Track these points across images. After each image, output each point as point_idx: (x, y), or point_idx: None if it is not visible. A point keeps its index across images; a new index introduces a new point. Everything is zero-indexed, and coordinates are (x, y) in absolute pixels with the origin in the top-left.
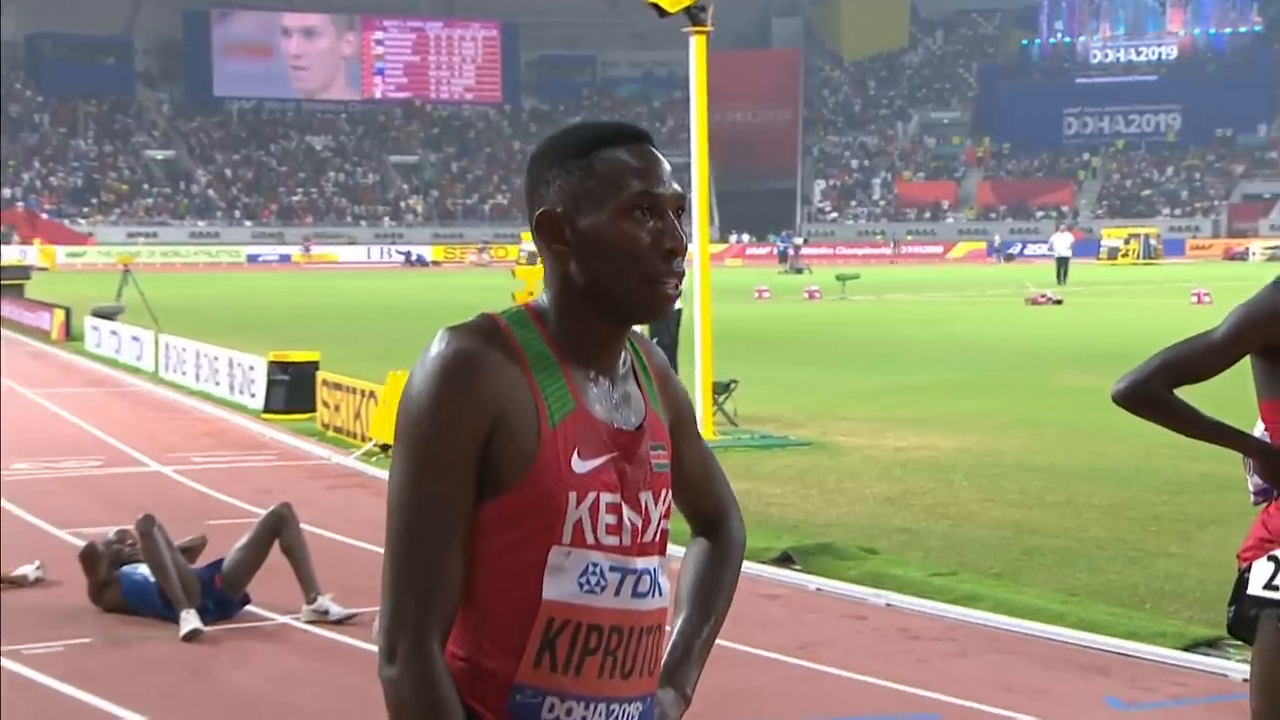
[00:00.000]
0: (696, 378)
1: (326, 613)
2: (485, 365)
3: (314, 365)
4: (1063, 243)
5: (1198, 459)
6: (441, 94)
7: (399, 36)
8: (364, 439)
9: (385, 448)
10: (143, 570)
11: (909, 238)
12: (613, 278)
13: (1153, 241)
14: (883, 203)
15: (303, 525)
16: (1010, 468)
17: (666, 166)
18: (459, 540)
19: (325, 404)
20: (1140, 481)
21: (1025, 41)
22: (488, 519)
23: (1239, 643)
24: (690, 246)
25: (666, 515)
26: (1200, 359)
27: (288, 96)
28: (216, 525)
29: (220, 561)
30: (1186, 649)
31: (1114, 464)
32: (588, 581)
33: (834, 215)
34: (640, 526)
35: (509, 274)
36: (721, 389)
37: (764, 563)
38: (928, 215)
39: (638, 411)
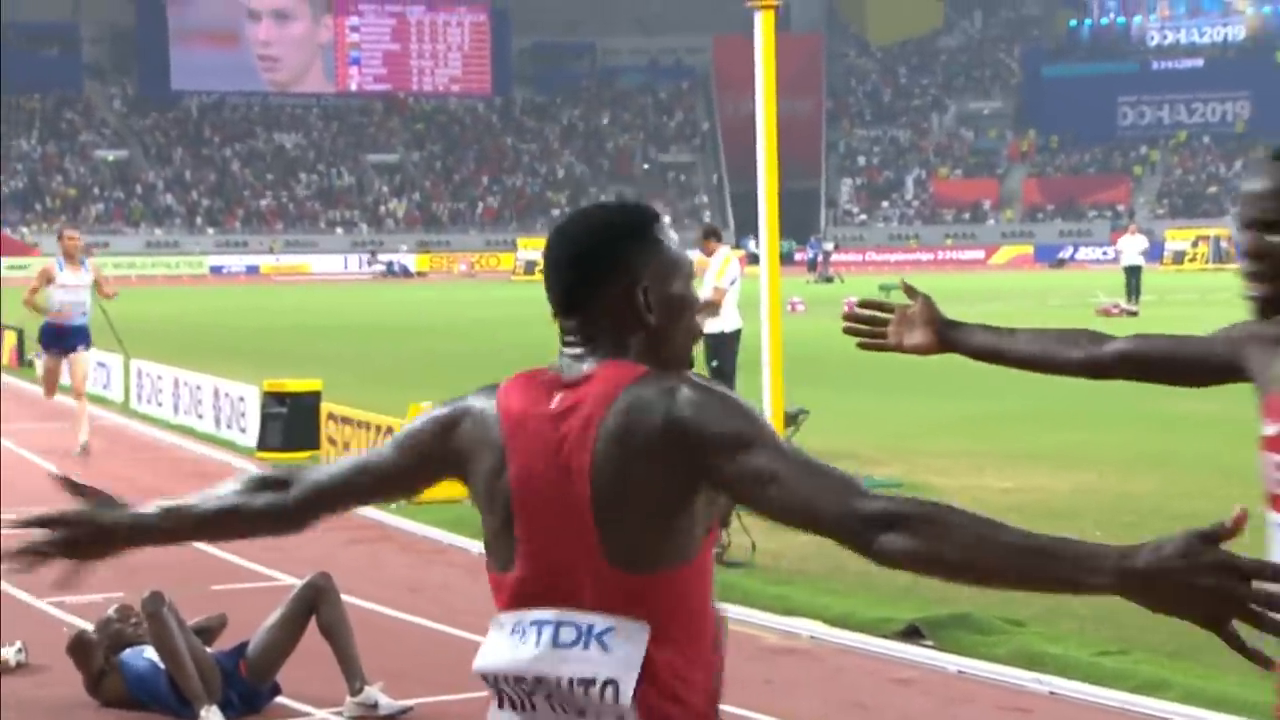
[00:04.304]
0: (766, 409)
1: (375, 706)
2: None
3: (316, 396)
4: (1133, 248)
5: None
6: (425, 86)
7: (376, 22)
8: None
9: None
10: (149, 655)
11: (947, 241)
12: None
13: (1223, 244)
14: (916, 203)
15: None
16: (1148, 515)
17: None
18: None
19: (332, 440)
20: None
21: (1074, 22)
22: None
23: None
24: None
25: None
26: None
27: (254, 89)
28: (222, 591)
29: (244, 645)
30: None
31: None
32: None
33: (863, 217)
34: None
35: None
36: (789, 420)
37: (886, 637)
38: (967, 216)
39: None
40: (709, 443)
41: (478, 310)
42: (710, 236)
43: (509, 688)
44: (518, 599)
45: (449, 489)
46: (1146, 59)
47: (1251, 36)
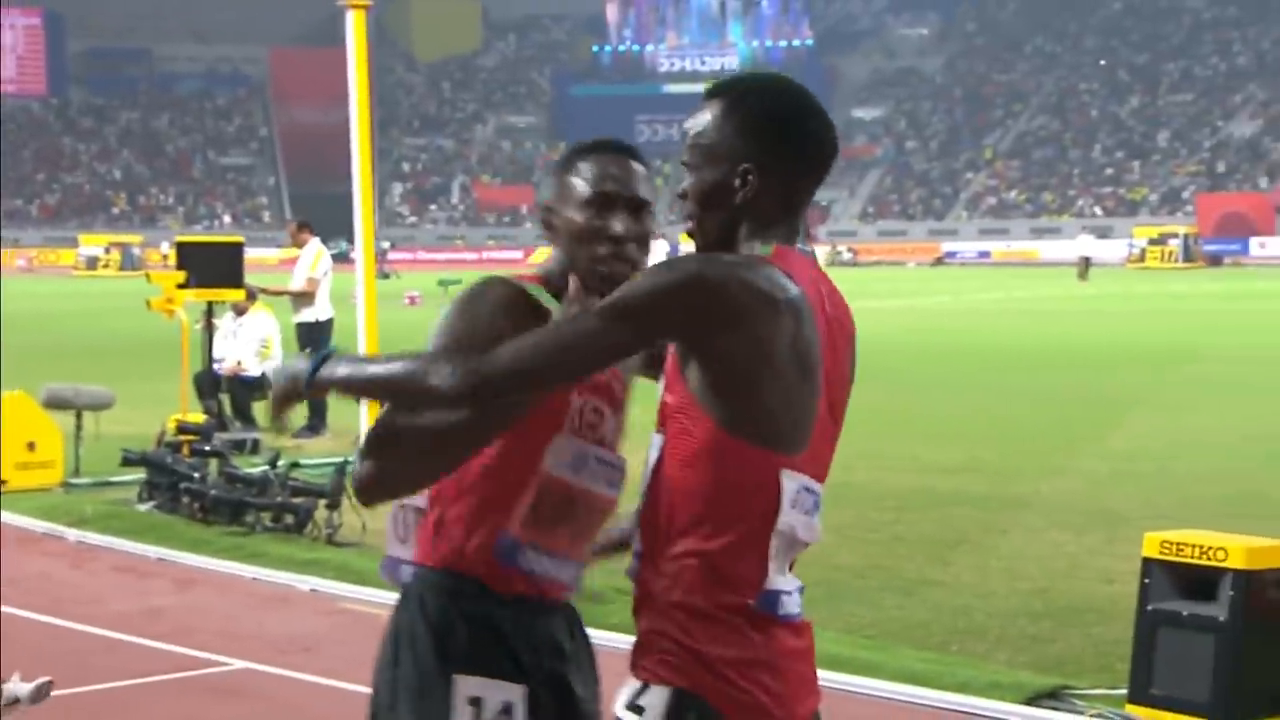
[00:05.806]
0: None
1: (16, 701)
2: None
3: None
4: (659, 252)
5: (894, 470)
6: None
7: None
8: None
9: None
10: None
11: (489, 242)
12: None
13: None
14: (462, 207)
15: None
16: None
17: None
18: None
19: None
20: (851, 496)
21: (596, 48)
22: None
23: (1082, 692)
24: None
25: None
26: None
27: None
28: None
29: None
30: (1029, 703)
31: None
32: None
33: (413, 219)
34: None
35: (142, 278)
36: None
37: None
38: (507, 220)
39: None
40: None
41: (42, 303)
42: (303, 229)
43: None
44: None
45: (41, 476)
46: (660, 83)
47: (743, 66)
